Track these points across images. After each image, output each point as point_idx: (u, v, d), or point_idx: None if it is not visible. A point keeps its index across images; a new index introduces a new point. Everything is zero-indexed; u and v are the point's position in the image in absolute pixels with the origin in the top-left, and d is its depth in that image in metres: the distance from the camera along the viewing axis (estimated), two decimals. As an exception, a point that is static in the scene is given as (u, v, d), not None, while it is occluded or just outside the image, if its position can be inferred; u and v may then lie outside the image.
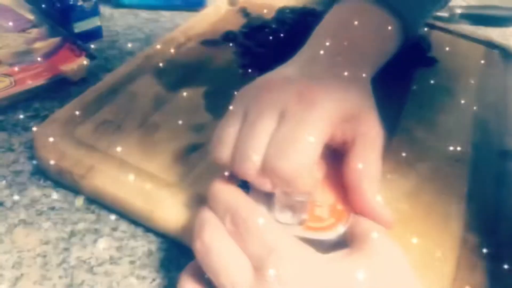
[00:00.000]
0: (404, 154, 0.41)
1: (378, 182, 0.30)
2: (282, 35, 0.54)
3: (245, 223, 0.26)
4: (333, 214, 0.30)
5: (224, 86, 0.46)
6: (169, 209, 0.34)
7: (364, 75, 0.35)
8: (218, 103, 0.40)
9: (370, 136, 0.31)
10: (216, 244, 0.26)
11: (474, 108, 0.49)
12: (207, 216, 0.28)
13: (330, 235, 0.29)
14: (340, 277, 0.25)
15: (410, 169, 0.40)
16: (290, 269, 0.25)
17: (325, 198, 0.31)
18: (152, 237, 0.35)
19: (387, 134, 0.43)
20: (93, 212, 0.36)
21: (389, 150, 0.42)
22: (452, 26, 0.64)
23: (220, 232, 0.27)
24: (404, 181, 0.39)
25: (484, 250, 0.34)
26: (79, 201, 0.36)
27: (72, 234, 0.34)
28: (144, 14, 0.62)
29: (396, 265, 0.26)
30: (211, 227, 0.27)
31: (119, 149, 0.38)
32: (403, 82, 0.51)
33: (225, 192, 0.29)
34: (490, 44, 0.61)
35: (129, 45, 0.54)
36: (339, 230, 0.29)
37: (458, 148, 0.43)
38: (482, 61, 0.57)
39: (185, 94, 0.44)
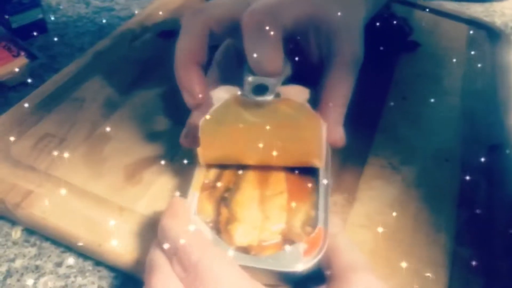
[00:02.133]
0: (387, 157, 0.37)
1: (343, 106, 0.31)
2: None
3: (194, 269, 0.23)
4: (306, 240, 0.26)
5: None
6: (120, 240, 0.29)
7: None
8: (178, 106, 0.35)
9: (343, 55, 0.31)
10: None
11: (461, 97, 0.45)
12: (155, 257, 0.25)
13: (300, 267, 0.25)
14: None
15: (395, 173, 0.36)
16: None
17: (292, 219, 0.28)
18: (103, 271, 0.30)
19: (369, 133, 0.39)
20: (33, 245, 0.31)
21: (371, 152, 0.38)
22: (434, 4, 0.59)
23: (167, 278, 0.24)
24: (388, 188, 0.35)
25: (478, 265, 0.31)
26: (16, 233, 0.31)
27: (8, 273, 0.29)
28: (96, 2, 0.56)
29: None
30: (158, 271, 0.24)
31: (61, 168, 0.32)
32: (384, 71, 0.46)
33: (174, 229, 0.25)
34: (474, 23, 0.57)
35: (77, 40, 0.48)
36: (308, 262, 0.25)
37: (447, 146, 0.39)
38: (467, 43, 0.53)
39: (140, 96, 0.39)
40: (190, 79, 0.32)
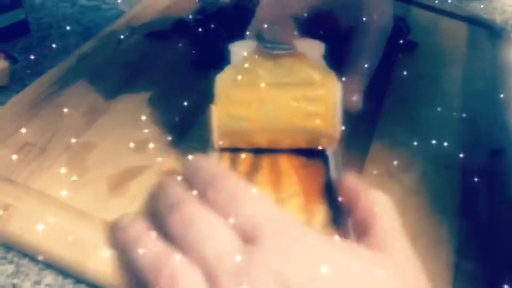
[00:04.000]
0: (385, 164, 0.35)
1: (366, 74, 0.34)
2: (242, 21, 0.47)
3: (229, 194, 0.22)
4: None
5: (173, 89, 0.39)
6: (103, 257, 0.28)
7: None
8: (166, 111, 0.33)
9: (373, 23, 0.33)
10: (198, 215, 0.22)
11: (461, 99, 0.43)
12: (180, 194, 0.24)
13: None
14: (351, 262, 0.21)
15: (393, 181, 0.35)
16: (291, 240, 0.21)
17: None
18: (84, 291, 0.28)
19: (365, 138, 0.38)
20: (11, 262, 0.29)
21: (368, 159, 0.36)
22: (432, 2, 0.57)
23: (200, 205, 0.23)
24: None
25: (481, 279, 0.29)
26: (-7, 250, 0.30)
27: (-16, 294, 0.28)
28: (82, 1, 0.54)
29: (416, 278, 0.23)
30: (191, 199, 0.23)
31: (40, 180, 0.31)
32: (381, 73, 0.45)
33: (205, 164, 0.24)
34: (474, 21, 0.55)
35: (61, 42, 0.46)
36: None
37: (447, 151, 0.37)
38: (466, 42, 0.51)
39: (125, 102, 0.37)
40: None
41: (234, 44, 0.31)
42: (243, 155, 0.31)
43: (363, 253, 0.22)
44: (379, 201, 0.26)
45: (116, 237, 0.26)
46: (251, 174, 0.30)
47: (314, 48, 0.31)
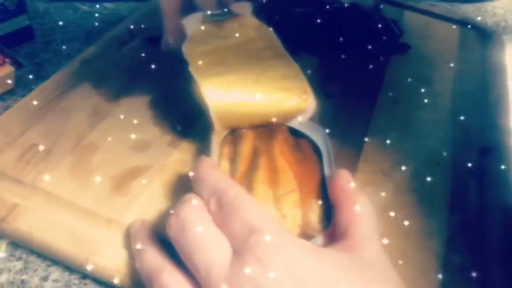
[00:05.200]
0: (378, 162, 0.37)
1: None
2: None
3: (230, 205, 0.25)
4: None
5: (174, 91, 0.41)
6: (108, 253, 0.29)
7: None
8: (167, 114, 0.35)
9: None
10: (192, 220, 0.25)
11: (452, 99, 0.45)
12: (190, 196, 0.26)
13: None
14: (328, 270, 0.23)
15: (386, 179, 0.36)
16: (272, 253, 0.22)
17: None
18: (90, 285, 0.30)
19: (359, 138, 0.39)
20: (19, 259, 0.30)
21: (362, 158, 0.37)
22: (424, 5, 0.59)
23: (200, 211, 0.25)
24: (379, 194, 0.35)
25: (470, 271, 0.31)
26: (1, 247, 0.31)
27: (-6, 289, 0.29)
28: (84, 7, 0.55)
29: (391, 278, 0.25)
30: (190, 204, 0.25)
31: (47, 180, 0.32)
32: (375, 74, 0.46)
33: (211, 175, 0.27)
34: (465, 24, 0.57)
35: (64, 47, 0.47)
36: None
37: (438, 149, 0.39)
38: (458, 45, 0.52)
39: (128, 104, 0.39)
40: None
41: (186, 19, 0.37)
42: (242, 155, 0.32)
43: (341, 261, 0.24)
44: (362, 204, 0.27)
45: (129, 241, 0.28)
46: (250, 172, 0.31)
47: (245, 8, 0.38)
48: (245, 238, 0.23)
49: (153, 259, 0.26)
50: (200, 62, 0.34)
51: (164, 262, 0.25)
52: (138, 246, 0.27)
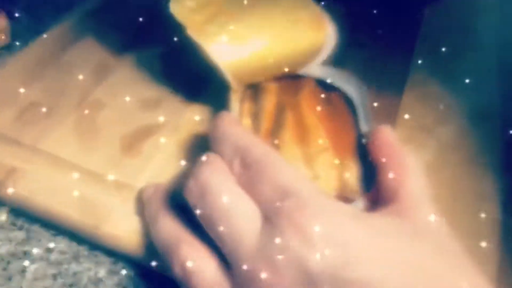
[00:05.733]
0: (419, 118, 0.32)
1: None
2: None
3: (257, 164, 0.21)
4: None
5: (186, 45, 0.36)
6: (119, 221, 0.26)
7: None
8: (178, 68, 0.31)
9: None
10: (214, 183, 0.21)
11: (498, 48, 0.40)
12: (209, 155, 0.23)
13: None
14: (379, 239, 0.19)
15: (428, 136, 0.32)
16: (311, 219, 0.19)
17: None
18: (100, 256, 0.26)
19: (396, 91, 0.35)
20: (20, 228, 0.27)
21: (400, 113, 0.33)
22: None
23: (222, 172, 0.22)
24: (422, 153, 0.31)
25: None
26: (1, 216, 0.28)
27: (-6, 262, 0.26)
28: (85, -43, 0.50)
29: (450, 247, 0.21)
30: (211, 164, 0.22)
31: (49, 140, 0.29)
32: (410, 25, 0.41)
33: (234, 132, 0.23)
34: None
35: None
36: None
37: (484, 102, 0.34)
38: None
39: (134, 58, 0.35)
40: None
41: None
42: (265, 110, 0.29)
43: (391, 228, 0.20)
44: (410, 162, 0.24)
45: (142, 208, 0.25)
46: (275, 130, 0.27)
47: None
48: (277, 202, 0.19)
49: (170, 229, 0.22)
50: (196, 19, 0.29)
51: (182, 232, 0.22)
52: (152, 214, 0.23)
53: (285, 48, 0.29)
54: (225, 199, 0.20)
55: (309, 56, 0.29)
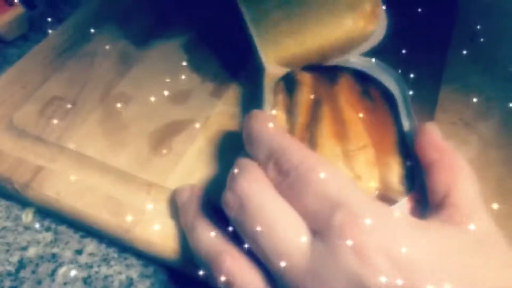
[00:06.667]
0: (458, 112, 0.31)
1: None
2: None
3: (297, 171, 0.19)
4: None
5: (215, 32, 0.35)
6: (150, 223, 0.25)
7: None
8: (206, 58, 0.29)
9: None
10: (253, 194, 0.20)
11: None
12: (243, 162, 0.21)
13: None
14: (445, 254, 0.18)
15: (469, 132, 0.30)
16: (369, 234, 0.17)
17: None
18: (130, 259, 0.25)
19: (433, 84, 0.33)
20: (48, 229, 0.26)
21: (439, 107, 0.31)
22: None
23: (261, 182, 0.20)
24: (463, 150, 0.29)
25: None
26: (28, 216, 0.27)
27: (21, 264, 0.25)
28: None
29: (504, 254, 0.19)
30: (248, 175, 0.20)
31: (75, 138, 0.27)
32: (447, 7, 0.39)
33: (268, 133, 0.22)
34: None
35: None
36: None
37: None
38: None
39: (160, 48, 0.33)
40: None
41: None
42: (301, 103, 0.27)
43: (454, 241, 0.18)
44: (460, 163, 0.22)
45: (174, 210, 0.23)
46: (312, 125, 0.26)
47: None
48: (326, 216, 0.18)
49: (210, 238, 0.21)
50: None
51: (224, 242, 0.20)
52: (189, 220, 0.22)
53: (331, 27, 0.27)
54: (267, 212, 0.19)
55: (352, 44, 0.27)
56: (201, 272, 0.21)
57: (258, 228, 0.18)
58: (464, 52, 0.35)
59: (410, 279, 0.16)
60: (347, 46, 0.27)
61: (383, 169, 0.24)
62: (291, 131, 0.26)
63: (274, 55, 0.27)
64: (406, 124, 0.26)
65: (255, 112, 0.24)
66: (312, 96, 0.27)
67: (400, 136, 0.26)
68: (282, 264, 0.18)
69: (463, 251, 0.18)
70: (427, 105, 0.32)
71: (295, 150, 0.21)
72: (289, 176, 0.20)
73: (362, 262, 0.16)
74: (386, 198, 0.24)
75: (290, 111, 0.27)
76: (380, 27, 0.27)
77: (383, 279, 0.16)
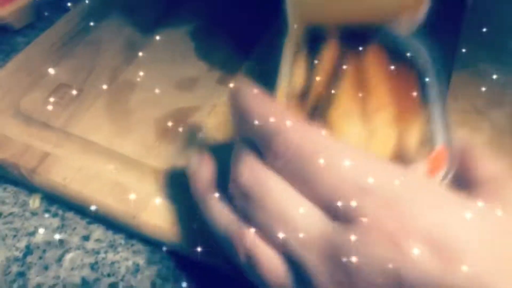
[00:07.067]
0: (470, 99, 0.30)
1: None
2: None
3: (299, 156, 0.18)
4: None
5: (222, 19, 0.34)
6: (157, 209, 0.24)
7: None
8: (213, 45, 0.29)
9: None
10: (256, 184, 0.18)
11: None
12: (240, 149, 0.20)
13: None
14: (486, 235, 0.16)
15: (482, 118, 0.30)
16: (401, 214, 0.16)
17: None
18: (137, 245, 0.25)
19: (445, 70, 0.32)
20: (55, 215, 0.26)
21: (451, 95, 0.31)
22: None
23: (261, 168, 0.19)
24: (476, 137, 0.29)
25: None
26: (35, 202, 0.27)
27: (28, 250, 0.25)
28: None
29: None
30: (246, 162, 0.19)
31: (81, 125, 0.27)
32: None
33: (258, 110, 0.19)
34: None
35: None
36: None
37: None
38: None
39: (166, 35, 0.33)
40: None
41: None
42: (322, 59, 0.25)
43: (487, 214, 0.17)
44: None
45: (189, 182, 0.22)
46: (332, 82, 0.24)
47: None
48: (347, 201, 0.16)
49: (227, 215, 0.20)
50: None
51: (241, 220, 0.19)
52: (202, 194, 0.21)
53: None
54: (274, 202, 0.18)
55: (400, 10, 0.26)
56: (207, 258, 0.21)
57: (270, 221, 0.18)
58: (476, 36, 0.34)
59: (451, 263, 0.15)
60: (395, 11, 0.26)
61: (402, 128, 0.23)
62: (308, 90, 0.25)
63: (301, 10, 0.25)
64: (433, 102, 0.25)
65: (242, 84, 0.20)
66: (335, 55, 0.26)
67: (427, 98, 0.24)
68: (304, 253, 0.17)
69: (506, 230, 0.17)
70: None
71: (292, 129, 0.18)
72: (290, 161, 0.18)
73: (397, 251, 0.15)
74: (400, 159, 0.23)
75: (309, 69, 0.25)
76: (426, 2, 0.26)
77: (421, 269, 0.15)
